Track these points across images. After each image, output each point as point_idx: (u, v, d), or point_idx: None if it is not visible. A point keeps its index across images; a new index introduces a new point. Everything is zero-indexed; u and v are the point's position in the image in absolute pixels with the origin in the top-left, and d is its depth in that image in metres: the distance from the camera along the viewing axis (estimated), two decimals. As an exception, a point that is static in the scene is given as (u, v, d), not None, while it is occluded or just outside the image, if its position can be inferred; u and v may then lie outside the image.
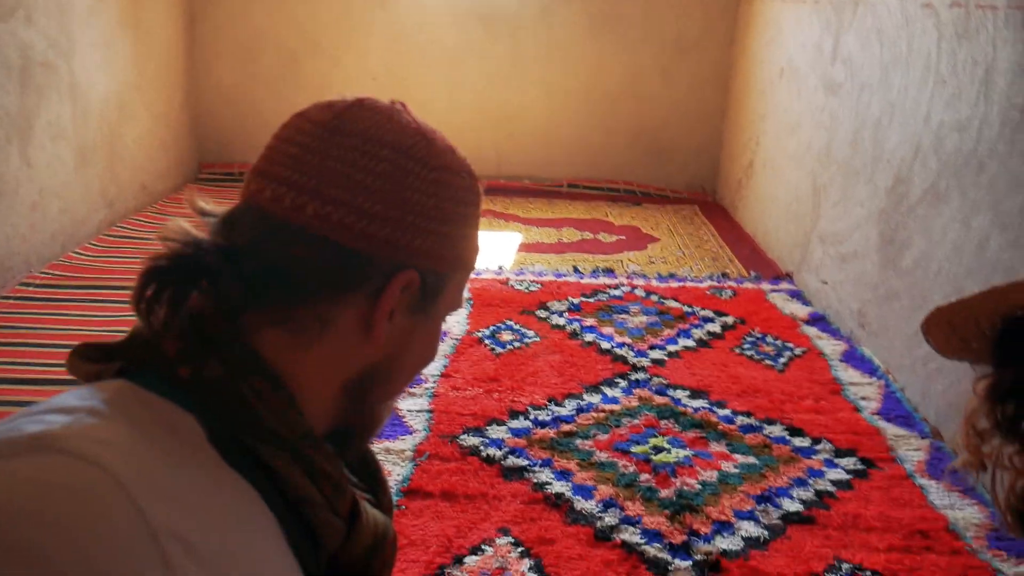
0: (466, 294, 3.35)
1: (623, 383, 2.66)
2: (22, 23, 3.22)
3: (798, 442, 2.35)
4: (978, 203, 2.24)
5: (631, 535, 1.91)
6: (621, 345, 2.94)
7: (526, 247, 4.13)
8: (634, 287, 3.53)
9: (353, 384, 0.71)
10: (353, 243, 0.67)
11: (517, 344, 2.93)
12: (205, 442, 0.61)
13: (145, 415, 0.59)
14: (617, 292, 3.47)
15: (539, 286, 3.49)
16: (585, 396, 2.57)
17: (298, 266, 0.66)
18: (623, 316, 3.21)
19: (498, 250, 4.05)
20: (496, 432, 2.33)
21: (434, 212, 0.70)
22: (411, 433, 2.31)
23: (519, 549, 1.85)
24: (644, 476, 2.15)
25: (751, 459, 2.26)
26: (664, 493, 2.08)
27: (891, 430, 2.43)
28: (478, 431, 2.34)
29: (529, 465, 2.18)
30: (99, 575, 0.50)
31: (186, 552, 0.53)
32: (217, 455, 0.61)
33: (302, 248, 0.66)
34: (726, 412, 2.50)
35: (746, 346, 2.99)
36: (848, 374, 2.78)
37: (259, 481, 0.62)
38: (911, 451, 2.33)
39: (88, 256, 3.58)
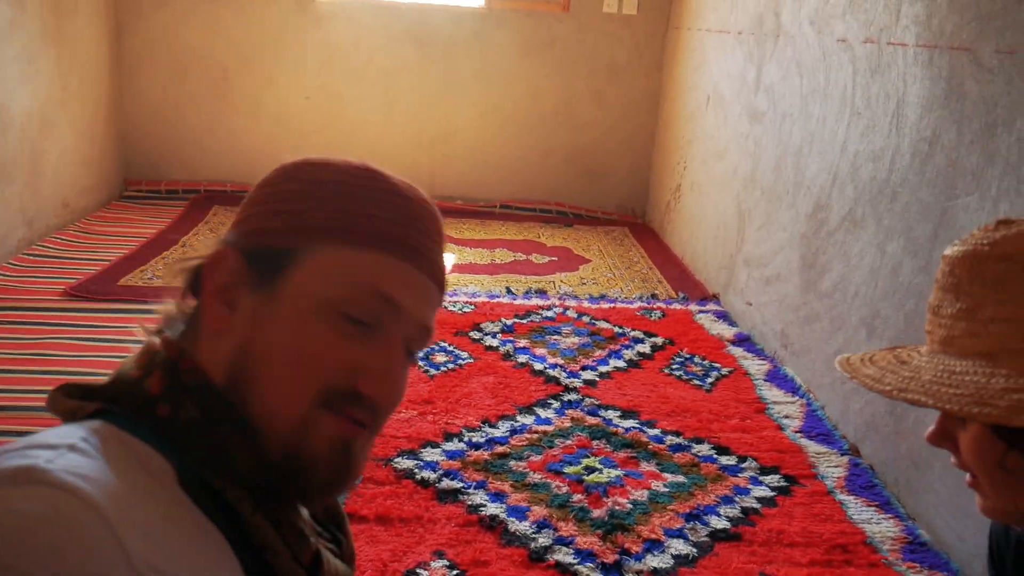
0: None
1: (556, 404, 2.70)
2: (-62, 35, 3.11)
3: (725, 460, 2.42)
4: (892, 230, 2.36)
5: (564, 555, 1.94)
6: (554, 366, 2.98)
7: (459, 268, 4.15)
8: (566, 308, 3.58)
9: (228, 377, 0.68)
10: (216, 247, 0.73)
11: (451, 365, 2.94)
12: (175, 484, 0.63)
13: (122, 453, 0.62)
14: (550, 313, 3.51)
15: (472, 307, 3.52)
16: (519, 417, 2.59)
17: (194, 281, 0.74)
18: (555, 337, 3.26)
19: (432, 271, 4.04)
20: (430, 455, 2.34)
21: (271, 196, 0.73)
22: (344, 456, 2.29)
23: (454, 572, 1.86)
24: (577, 496, 2.19)
25: (680, 478, 2.32)
26: (596, 513, 2.12)
27: (812, 447, 2.52)
28: (412, 454, 2.34)
29: (464, 487, 2.19)
30: None
31: None
32: (186, 497, 0.63)
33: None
34: (656, 432, 2.56)
35: (675, 366, 3.07)
36: (772, 393, 2.88)
37: (225, 525, 0.64)
38: (831, 467, 2.42)
39: (5, 276, 3.46)
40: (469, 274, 4.06)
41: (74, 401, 0.68)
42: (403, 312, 0.71)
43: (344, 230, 0.69)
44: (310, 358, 0.67)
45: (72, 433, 0.62)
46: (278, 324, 0.68)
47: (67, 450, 0.59)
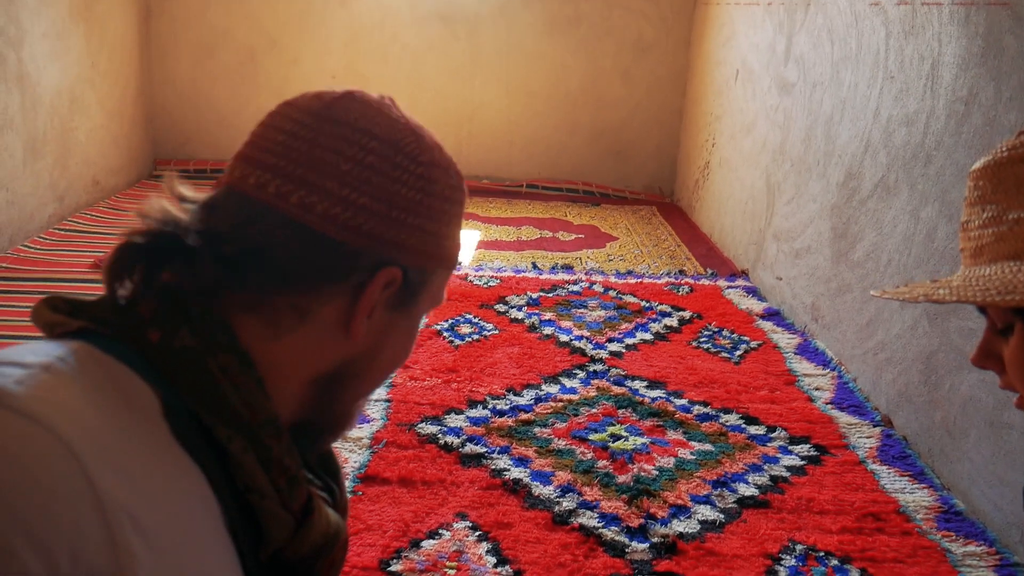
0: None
1: (581, 374, 2.67)
2: (-31, 9, 3.15)
3: (753, 430, 2.38)
4: (926, 194, 2.30)
5: (588, 519, 1.92)
6: (579, 338, 2.96)
7: (485, 244, 4.13)
8: (592, 283, 3.55)
9: (324, 379, 0.69)
10: (337, 235, 0.65)
11: (476, 336, 2.92)
12: (159, 416, 0.59)
13: (101, 379, 0.57)
14: (576, 288, 3.48)
15: (498, 281, 3.50)
16: (543, 386, 2.57)
17: (278, 254, 0.65)
18: (581, 311, 3.23)
19: (457, 247, 4.04)
20: (454, 421, 2.33)
21: (420, 208, 0.69)
22: (368, 422, 2.29)
23: (477, 533, 1.84)
24: (602, 462, 2.16)
25: (707, 446, 2.28)
26: (621, 479, 2.09)
27: (843, 418, 2.47)
28: (436, 420, 2.33)
29: (487, 452, 2.17)
30: (37, 543, 0.47)
31: (133, 527, 0.52)
32: (168, 431, 0.59)
33: (284, 236, 0.64)
34: (683, 402, 2.52)
35: (703, 339, 3.03)
36: (802, 366, 2.83)
37: (208, 463, 0.60)
38: (863, 438, 2.37)
39: (37, 250, 3.50)
40: (495, 250, 4.04)
41: (59, 315, 0.63)
42: None
43: (453, 258, 0.76)
44: (403, 358, 0.77)
45: (49, 351, 0.57)
46: (400, 337, 0.74)
47: (41, 370, 0.55)
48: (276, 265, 0.65)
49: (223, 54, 4.97)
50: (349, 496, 1.95)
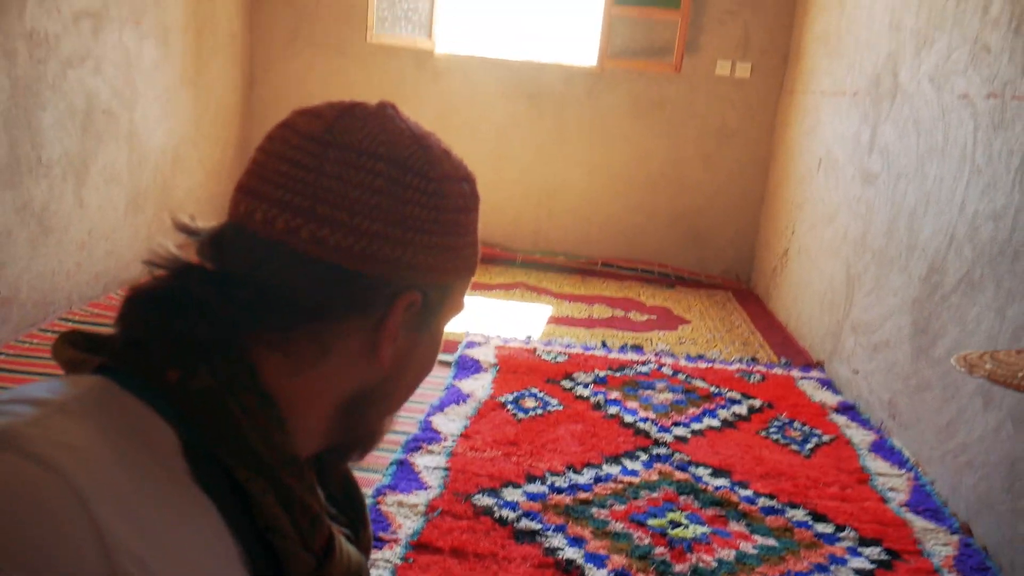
0: (492, 359, 3.36)
1: (644, 456, 2.62)
2: (90, 72, 3.39)
3: (821, 528, 2.28)
4: (1013, 292, 2.21)
5: (641, 606, 1.86)
6: (645, 420, 2.91)
7: (556, 320, 4.14)
8: (662, 365, 3.50)
9: (349, 404, 0.68)
10: (353, 265, 0.63)
11: (540, 411, 2.91)
12: (178, 455, 0.57)
13: (119, 418, 0.56)
14: (644, 368, 3.44)
15: (566, 357, 3.49)
16: (604, 466, 2.53)
17: (295, 292, 0.63)
18: (648, 392, 3.18)
19: (528, 321, 4.06)
20: (511, 494, 2.30)
21: (434, 226, 0.66)
22: (425, 488, 2.29)
23: (524, 611, 1.81)
24: (659, 549, 2.10)
25: (771, 541, 2.19)
26: (679, 568, 2.02)
27: (919, 523, 2.35)
28: (493, 492, 2.31)
29: (542, 529, 2.14)
30: None
31: (141, 571, 0.51)
32: (188, 471, 0.57)
33: (298, 273, 0.63)
34: (748, 493, 2.44)
35: (772, 430, 2.94)
36: (876, 464, 2.71)
37: (228, 504, 0.59)
38: (939, 545, 2.24)
39: (128, 298, 3.67)
40: (566, 326, 4.04)
41: (79, 352, 0.62)
42: None
43: (471, 268, 0.73)
44: (427, 372, 0.75)
45: (67, 390, 0.57)
46: (422, 356, 0.72)
47: (56, 410, 0.54)
48: (294, 303, 0.63)
49: (318, 123, 5.20)
50: (400, 562, 1.94)
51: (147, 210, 3.97)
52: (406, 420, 2.70)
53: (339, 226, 0.62)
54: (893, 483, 2.58)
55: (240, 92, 5.01)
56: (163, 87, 4.01)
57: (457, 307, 0.74)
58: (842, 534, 2.26)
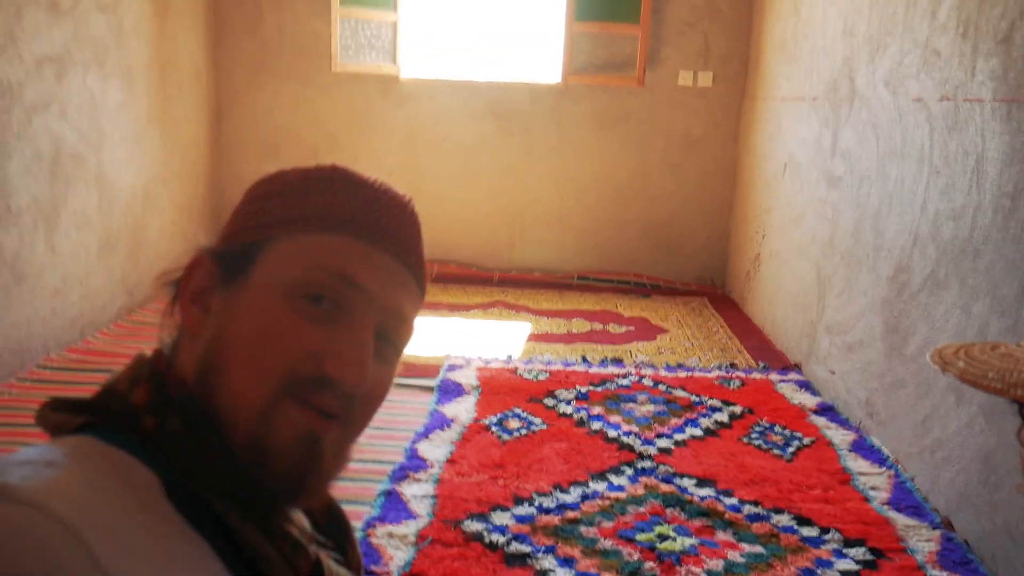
0: (474, 380, 3.38)
1: (629, 471, 2.65)
2: (56, 117, 3.39)
3: (806, 532, 2.32)
4: (977, 289, 2.27)
5: (634, 623, 1.88)
6: (628, 433, 2.94)
7: (535, 337, 4.16)
8: (642, 377, 3.54)
9: (198, 374, 0.67)
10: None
11: (524, 431, 2.93)
12: (161, 496, 0.61)
13: (102, 467, 0.60)
14: (625, 381, 3.47)
15: (547, 375, 3.51)
16: (591, 483, 2.55)
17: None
18: (630, 405, 3.22)
19: (507, 339, 4.08)
20: (500, 518, 2.32)
21: (239, 206, 0.75)
22: (414, 518, 2.30)
23: (519, 635, 1.82)
24: (649, 564, 2.12)
25: (758, 548, 2.23)
26: (668, 581, 2.05)
27: (901, 520, 2.39)
28: (482, 517, 2.32)
29: (532, 552, 2.16)
30: None
31: None
32: (172, 509, 0.61)
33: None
34: (733, 501, 2.48)
35: (754, 435, 2.98)
36: (857, 464, 2.76)
37: (215, 536, 0.62)
38: (922, 541, 2.29)
39: (105, 341, 3.65)
40: (545, 343, 4.06)
41: (61, 415, 0.66)
42: (369, 294, 0.68)
43: (305, 219, 0.69)
44: (273, 341, 0.66)
45: (52, 449, 0.61)
46: (243, 312, 0.67)
47: (44, 466, 0.58)
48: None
49: (287, 152, 5.21)
50: (392, 594, 1.94)
51: (120, 251, 3.96)
52: (391, 449, 2.71)
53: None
54: (874, 482, 2.63)
55: (208, 127, 5.01)
56: (130, 127, 4.01)
57: (303, 263, 0.68)
58: (827, 536, 2.29)
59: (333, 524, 0.79)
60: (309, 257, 0.68)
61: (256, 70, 5.15)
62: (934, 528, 2.35)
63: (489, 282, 5.19)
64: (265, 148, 5.22)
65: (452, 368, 3.54)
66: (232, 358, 0.66)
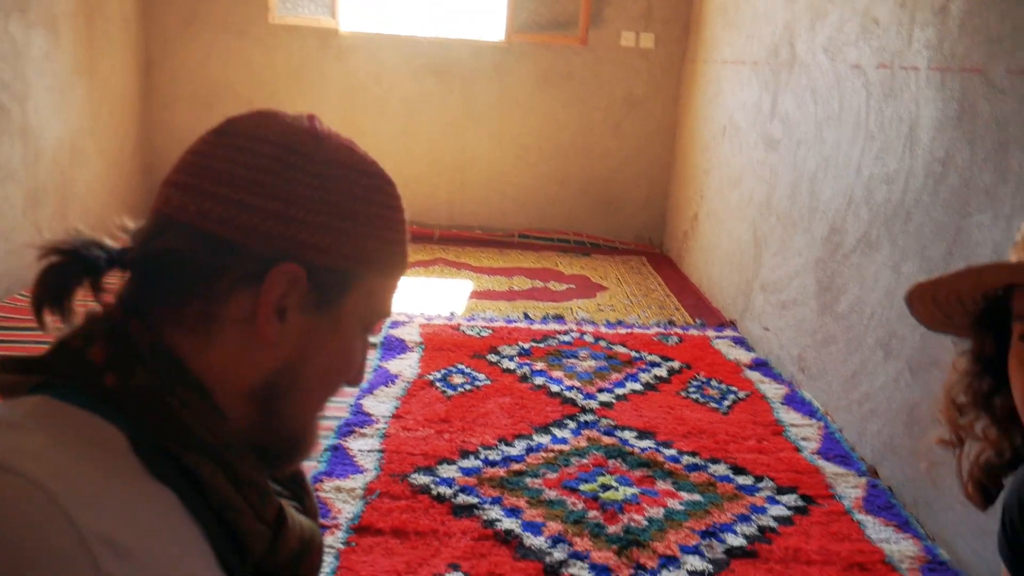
0: (417, 337, 3.39)
1: (572, 424, 2.71)
2: (-24, 65, 3.23)
3: (741, 480, 2.42)
4: (906, 250, 2.37)
5: (579, 569, 1.94)
6: (570, 388, 3.00)
7: (477, 294, 4.18)
8: (583, 333, 3.60)
9: (260, 393, 0.70)
10: (234, 235, 0.66)
11: (468, 387, 2.96)
12: (129, 453, 0.61)
13: (64, 427, 0.60)
14: (567, 338, 3.53)
15: (490, 331, 3.54)
16: (535, 437, 2.61)
17: (179, 261, 0.67)
18: (572, 361, 3.27)
19: (449, 297, 4.10)
20: (447, 471, 2.35)
21: (322, 206, 0.68)
22: (361, 472, 2.32)
23: (469, 583, 1.87)
24: (592, 513, 2.19)
25: (696, 496, 2.31)
26: (612, 529, 2.12)
27: (830, 468, 2.51)
28: (429, 470, 2.35)
29: (479, 503, 2.20)
30: None
31: (115, 555, 0.54)
32: (140, 465, 0.61)
33: (182, 243, 0.66)
34: (672, 452, 2.56)
35: (691, 390, 3.07)
36: (789, 416, 2.87)
37: (183, 489, 0.63)
38: (849, 488, 2.41)
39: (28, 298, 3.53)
40: (487, 300, 4.09)
41: (12, 375, 0.65)
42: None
43: (382, 263, 0.74)
44: (348, 368, 0.75)
45: (10, 410, 0.60)
46: (329, 345, 0.72)
47: (5, 428, 0.58)
48: (178, 273, 0.67)
49: (222, 106, 5.06)
50: (343, 547, 1.97)
51: (47, 206, 3.82)
52: (337, 405, 2.72)
53: (221, 200, 0.66)
54: (805, 433, 2.75)
55: (138, 79, 4.83)
56: (56, 78, 3.84)
57: (372, 308, 0.75)
58: (761, 484, 2.40)
59: (290, 475, 0.81)
60: (381, 301, 0.77)
61: (188, 19, 4.98)
62: (860, 476, 2.48)
63: (430, 239, 5.18)
64: (198, 102, 5.06)
65: (395, 325, 3.55)
66: (313, 378, 0.73)
